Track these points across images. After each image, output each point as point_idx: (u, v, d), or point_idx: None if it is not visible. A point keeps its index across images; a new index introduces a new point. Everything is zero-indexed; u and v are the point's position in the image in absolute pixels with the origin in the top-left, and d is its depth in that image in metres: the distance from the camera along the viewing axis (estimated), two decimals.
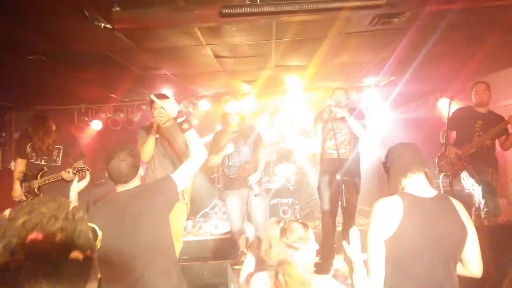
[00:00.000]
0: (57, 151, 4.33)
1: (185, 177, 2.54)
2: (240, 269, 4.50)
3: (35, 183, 4.15)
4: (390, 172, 2.26)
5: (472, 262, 2.09)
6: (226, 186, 4.81)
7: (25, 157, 4.27)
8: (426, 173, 2.15)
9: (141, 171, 2.55)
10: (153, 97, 2.74)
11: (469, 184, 4.52)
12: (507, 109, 5.37)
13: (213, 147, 4.59)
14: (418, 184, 2.13)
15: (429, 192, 2.12)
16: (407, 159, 2.18)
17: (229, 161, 4.57)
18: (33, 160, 4.26)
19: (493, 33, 3.99)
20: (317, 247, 2.09)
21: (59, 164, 4.28)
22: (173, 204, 2.51)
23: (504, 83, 5.71)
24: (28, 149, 4.27)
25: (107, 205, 2.45)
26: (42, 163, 4.25)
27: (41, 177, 4.17)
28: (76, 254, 0.91)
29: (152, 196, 2.41)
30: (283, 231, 2.02)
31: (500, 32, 3.94)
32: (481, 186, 4.39)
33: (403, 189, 2.16)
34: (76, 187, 2.72)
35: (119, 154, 2.40)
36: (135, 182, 2.49)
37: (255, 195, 4.37)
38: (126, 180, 2.43)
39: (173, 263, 2.47)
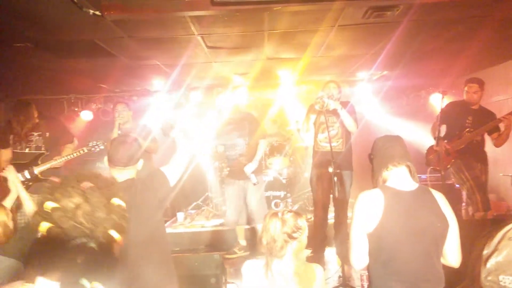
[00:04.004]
0: (41, 138, 4.21)
1: (176, 171, 2.47)
2: (233, 259, 4.54)
3: (37, 169, 3.92)
4: (373, 164, 2.26)
5: (451, 253, 2.08)
6: (227, 175, 4.93)
7: (7, 147, 4.16)
8: (408, 166, 2.14)
9: (140, 162, 2.50)
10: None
11: (459, 179, 4.54)
12: (499, 105, 5.38)
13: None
14: (399, 177, 2.13)
15: (410, 185, 2.12)
16: (389, 152, 2.17)
17: (227, 153, 4.65)
18: (17, 150, 4.14)
19: (485, 29, 3.97)
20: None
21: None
22: (166, 198, 2.46)
23: (497, 79, 5.72)
24: (12, 139, 4.17)
25: None
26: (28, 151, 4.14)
27: (42, 162, 4.00)
28: (115, 201, 1.30)
29: (144, 191, 2.37)
30: (283, 223, 2.03)
31: (492, 27, 3.93)
32: (470, 181, 4.40)
33: (384, 181, 2.16)
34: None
35: (122, 136, 2.41)
36: (131, 172, 2.44)
37: (254, 184, 4.40)
38: (124, 163, 2.38)
39: (165, 258, 2.43)
